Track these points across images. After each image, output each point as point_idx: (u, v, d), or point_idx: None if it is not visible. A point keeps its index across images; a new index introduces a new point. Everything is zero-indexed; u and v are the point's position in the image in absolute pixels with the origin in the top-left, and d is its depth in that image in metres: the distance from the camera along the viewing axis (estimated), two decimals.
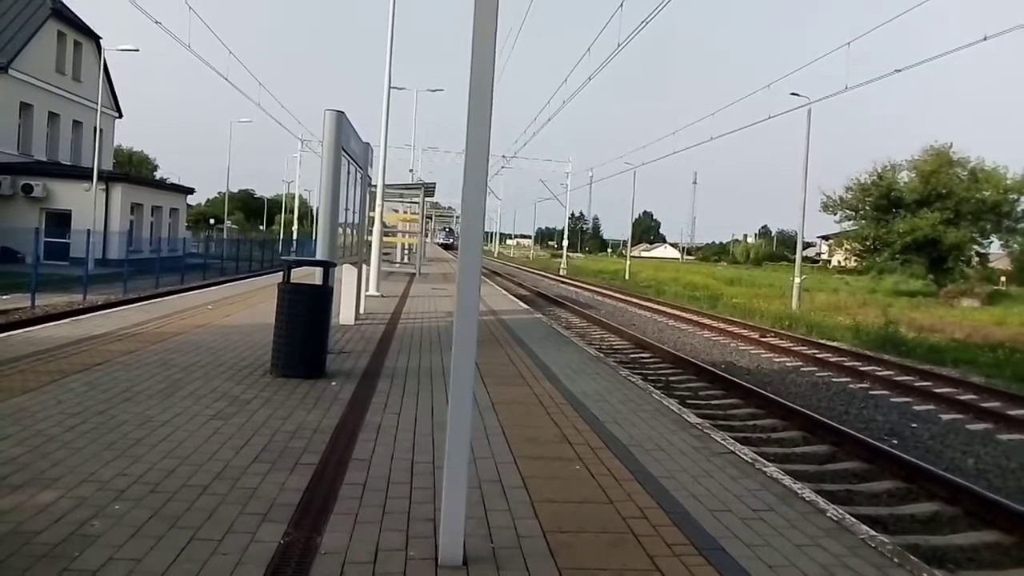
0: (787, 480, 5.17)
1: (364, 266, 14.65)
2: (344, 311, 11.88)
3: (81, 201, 31.46)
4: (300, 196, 72.46)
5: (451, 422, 3.68)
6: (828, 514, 4.53)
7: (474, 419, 4.32)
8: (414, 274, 27.54)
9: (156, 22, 19.53)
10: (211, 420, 5.79)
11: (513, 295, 22.31)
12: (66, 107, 37.68)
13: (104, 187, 32.79)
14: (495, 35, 3.67)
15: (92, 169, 31.88)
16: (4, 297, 18.19)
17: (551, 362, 9.62)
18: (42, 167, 33.92)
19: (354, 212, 11.90)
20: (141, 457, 4.77)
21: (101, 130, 34.66)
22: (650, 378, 11.50)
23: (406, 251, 33.42)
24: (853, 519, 4.52)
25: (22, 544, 3.42)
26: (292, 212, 69.39)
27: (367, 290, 15.86)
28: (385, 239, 23.12)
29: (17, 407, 5.76)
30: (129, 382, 6.90)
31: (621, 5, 15.00)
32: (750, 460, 5.61)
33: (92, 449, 4.86)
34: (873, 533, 4.31)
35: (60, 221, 31.69)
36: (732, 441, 6.16)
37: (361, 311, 13.34)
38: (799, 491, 4.94)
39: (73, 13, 38.20)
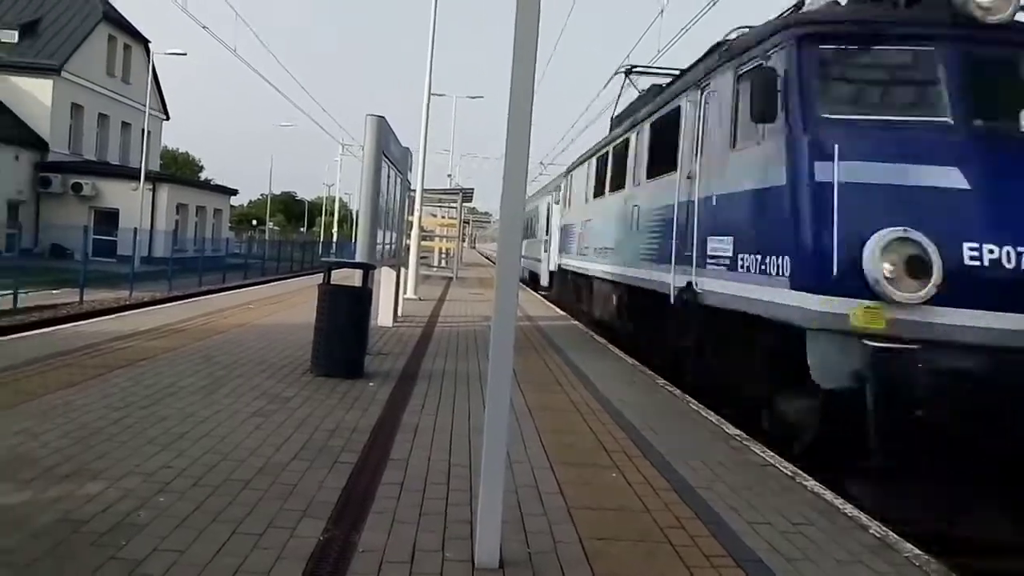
0: (828, 495, 5.08)
1: (402, 269, 14.77)
2: (382, 313, 11.99)
3: (128, 200, 32.28)
4: (340, 199, 73.43)
5: (488, 426, 3.69)
6: (871, 531, 4.44)
7: (510, 424, 4.32)
8: (451, 278, 27.66)
9: (203, 27, 20.00)
10: (252, 417, 5.88)
11: (549, 301, 22.20)
12: (116, 109, 38.74)
13: (151, 187, 33.62)
14: (536, 41, 3.68)
15: (140, 169, 32.71)
16: (54, 292, 18.69)
17: (588, 369, 9.59)
18: (92, 167, 34.90)
19: (393, 216, 12.01)
20: (184, 451, 4.86)
21: (149, 131, 35.59)
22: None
23: (443, 255, 33.59)
24: (896, 536, 4.42)
25: (70, 532, 3.50)
26: (332, 215, 70.32)
27: (405, 293, 15.99)
28: (423, 243, 23.28)
29: (64, 399, 5.91)
30: (172, 378, 7.04)
31: (661, 12, 14.96)
32: (790, 473, 5.52)
33: (136, 443, 4.96)
34: (918, 552, 4.21)
35: (108, 219, 32.60)
36: (771, 453, 6.07)
37: (399, 314, 13.45)
38: (841, 506, 4.85)
39: (123, 17, 39.31)
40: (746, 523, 4.37)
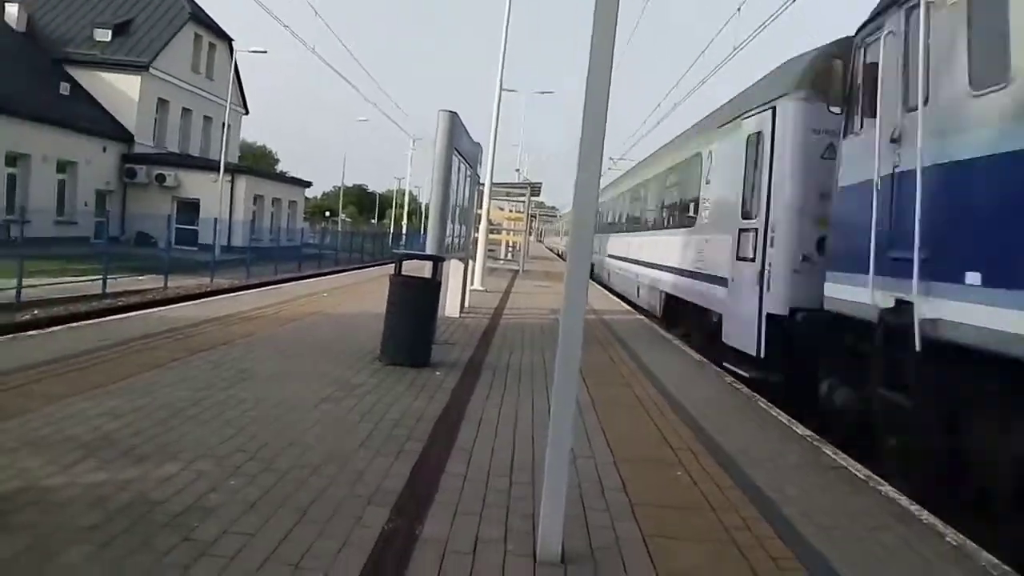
0: (903, 500, 4.89)
1: (470, 261, 14.86)
2: (450, 304, 12.10)
3: (209, 191, 33.40)
4: (410, 192, 74.34)
5: (553, 420, 3.67)
6: (948, 538, 4.26)
7: (575, 419, 4.29)
8: (517, 270, 27.72)
9: (285, 26, 20.52)
10: (322, 403, 6.02)
11: (615, 295, 22.03)
12: (199, 103, 40.15)
13: (230, 179, 34.71)
14: (614, 35, 3.63)
15: (219, 162, 33.78)
16: (140, 278, 19.51)
17: (653, 364, 9.47)
18: (174, 158, 36.26)
19: (462, 209, 12.09)
20: (256, 435, 5.00)
21: (229, 125, 36.77)
22: None
23: (511, 248, 33.67)
24: (974, 545, 4.22)
25: (146, 511, 3.65)
26: (403, 207, 71.28)
27: (472, 284, 16.10)
28: (491, 236, 23.37)
29: (148, 381, 6.16)
30: (248, 363, 7.26)
31: (739, 9, 14.57)
32: (864, 477, 5.34)
33: (213, 425, 5.14)
34: (996, 561, 4.01)
35: (190, 209, 33.81)
36: (844, 455, 5.88)
37: (466, 305, 13.55)
38: (916, 512, 4.66)
39: (209, 17, 40.67)
40: (816, 526, 4.25)
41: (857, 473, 5.42)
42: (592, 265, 27.16)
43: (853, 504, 4.72)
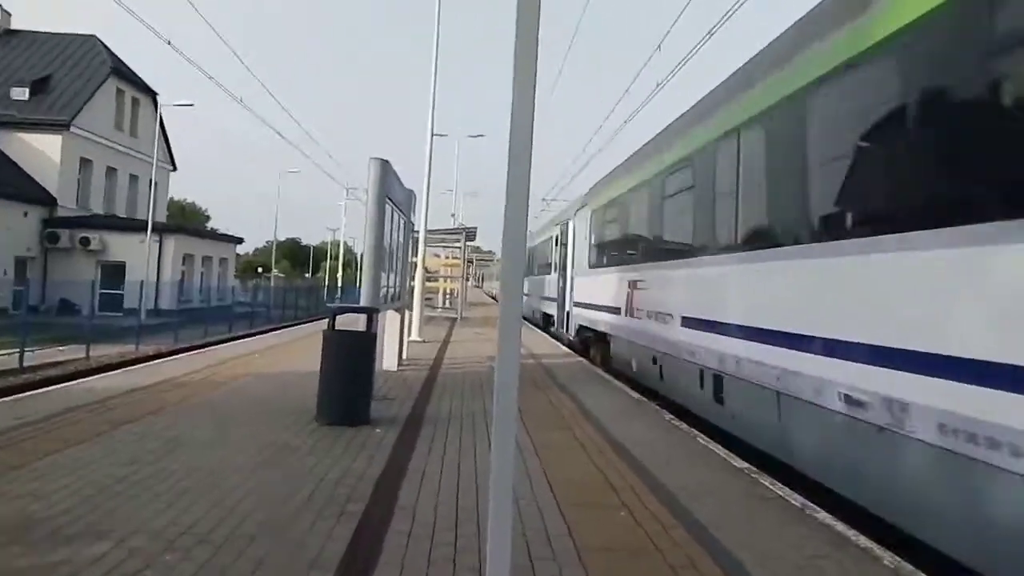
0: (840, 526, 5.02)
1: (407, 311, 14.80)
2: (387, 357, 11.99)
3: (135, 253, 32.51)
4: (345, 243, 73.83)
5: (494, 470, 3.66)
6: (885, 561, 4.38)
7: (517, 465, 4.30)
8: (456, 318, 27.68)
9: (210, 77, 20.40)
10: (258, 468, 5.86)
11: (553, 338, 22.17)
12: (123, 161, 39.24)
13: (158, 239, 33.88)
14: (535, 81, 3.73)
15: (147, 221, 32.99)
16: (61, 349, 18.76)
17: (592, 406, 9.55)
18: (99, 220, 35.22)
19: (397, 258, 12.08)
20: (190, 507, 4.84)
21: (156, 183, 35.97)
22: None
23: (448, 295, 33.66)
24: (911, 568, 4.36)
25: None
26: (337, 259, 70.67)
27: (410, 335, 16.00)
28: (427, 284, 23.35)
29: (72, 458, 5.91)
30: (179, 431, 7.04)
31: (659, 46, 15.13)
32: (800, 505, 5.47)
33: (143, 499, 4.95)
34: None
35: (115, 272, 32.76)
36: (780, 485, 6.01)
37: (404, 356, 13.45)
38: (853, 537, 4.79)
39: (131, 70, 40.01)
40: (759, 558, 4.32)
41: (793, 502, 5.55)
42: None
43: (791, 533, 4.83)
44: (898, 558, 4.46)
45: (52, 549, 4.02)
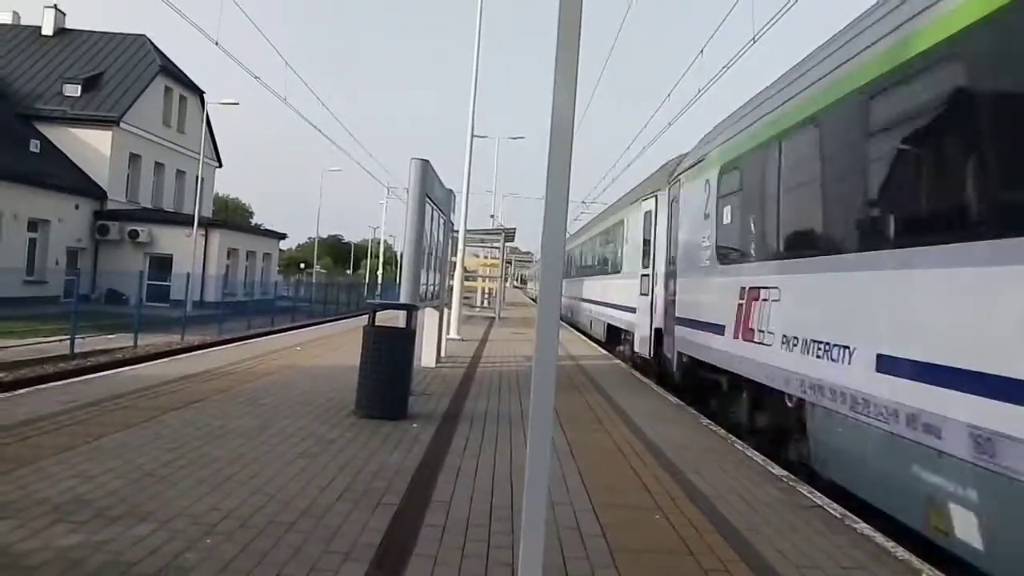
0: (879, 538, 4.94)
1: (446, 310, 14.90)
2: (426, 354, 12.09)
3: (182, 246, 33.24)
4: (385, 241, 74.54)
5: (529, 469, 3.68)
6: (924, 574, 4.30)
7: (552, 465, 4.31)
8: (494, 318, 27.76)
9: (255, 77, 20.74)
10: (298, 458, 5.97)
11: (592, 340, 22.18)
12: (171, 157, 40.20)
13: (203, 233, 34.59)
14: (576, 82, 3.76)
15: (193, 216, 33.71)
16: (110, 337, 19.24)
17: (629, 408, 9.51)
18: (147, 214, 36.13)
19: (436, 257, 12.18)
20: (232, 493, 4.95)
21: (202, 179, 36.78)
22: None
23: (486, 295, 33.76)
24: None
25: (120, 573, 3.59)
26: (378, 257, 71.36)
27: (448, 333, 16.11)
28: (466, 283, 23.46)
29: (119, 442, 6.08)
30: (222, 419, 7.20)
31: (701, 51, 15.00)
32: (839, 515, 5.39)
33: (186, 484, 5.08)
34: None
35: (162, 265, 33.57)
36: (819, 495, 5.93)
37: (442, 354, 13.54)
38: (892, 549, 4.71)
39: (180, 70, 40.98)
40: (794, 567, 4.28)
41: (833, 512, 5.47)
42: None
43: (829, 543, 4.76)
44: (936, 571, 4.38)
45: (98, 529, 4.15)
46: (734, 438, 8.00)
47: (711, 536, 4.73)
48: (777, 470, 6.67)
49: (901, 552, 4.66)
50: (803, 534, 4.90)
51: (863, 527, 5.14)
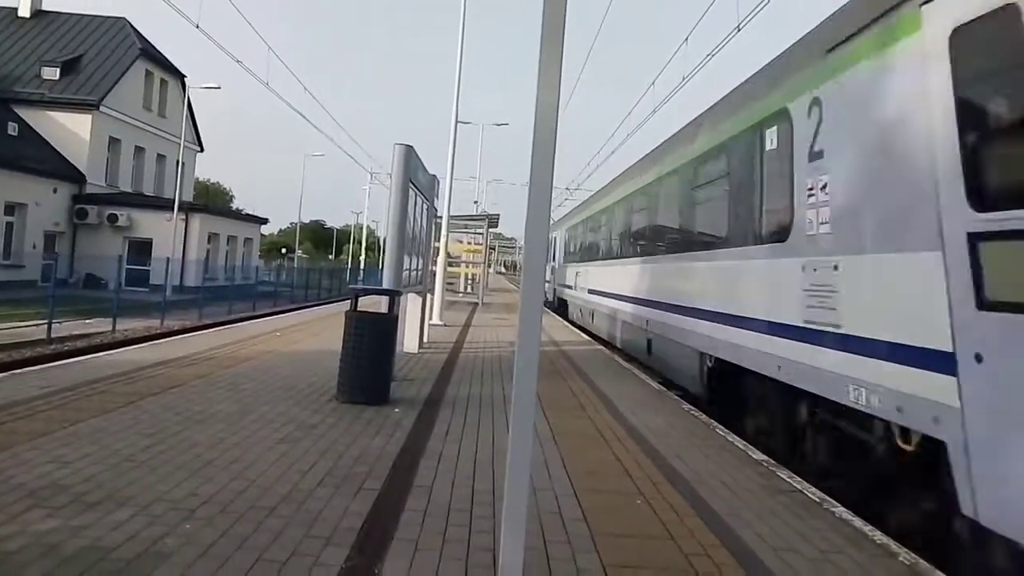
0: (857, 521, 4.99)
1: (428, 295, 14.86)
2: (408, 339, 12.06)
3: (162, 230, 32.91)
4: (368, 226, 74.20)
5: (511, 454, 3.69)
6: (901, 558, 4.36)
7: (535, 450, 4.32)
8: (477, 304, 27.74)
9: (237, 61, 20.49)
10: (279, 443, 5.93)
11: (573, 325, 22.22)
12: (151, 141, 39.70)
13: (184, 217, 34.26)
14: (560, 69, 3.73)
15: (173, 200, 33.36)
16: (87, 321, 19.05)
17: (612, 394, 9.55)
18: (127, 198, 35.70)
19: (419, 242, 12.12)
20: (211, 478, 4.92)
21: (183, 163, 36.35)
22: None
23: (469, 281, 33.72)
24: (927, 565, 4.33)
25: (98, 559, 3.56)
26: (360, 242, 71.04)
27: (431, 319, 16.07)
28: (449, 269, 23.40)
29: (96, 427, 6.02)
30: (202, 405, 7.14)
31: (686, 39, 14.98)
32: (818, 499, 5.44)
33: (165, 469, 5.04)
34: None
35: (141, 249, 33.22)
36: (798, 479, 5.99)
37: (425, 339, 13.51)
38: (869, 533, 4.76)
39: (160, 53, 40.41)
40: (773, 551, 4.32)
41: (811, 496, 5.52)
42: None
43: (807, 527, 4.81)
44: (914, 555, 4.44)
45: (75, 514, 4.11)
46: (715, 423, 8.06)
47: (692, 520, 4.76)
48: (757, 455, 6.72)
49: (879, 536, 4.71)
50: (782, 518, 4.95)
51: (841, 511, 5.19)
